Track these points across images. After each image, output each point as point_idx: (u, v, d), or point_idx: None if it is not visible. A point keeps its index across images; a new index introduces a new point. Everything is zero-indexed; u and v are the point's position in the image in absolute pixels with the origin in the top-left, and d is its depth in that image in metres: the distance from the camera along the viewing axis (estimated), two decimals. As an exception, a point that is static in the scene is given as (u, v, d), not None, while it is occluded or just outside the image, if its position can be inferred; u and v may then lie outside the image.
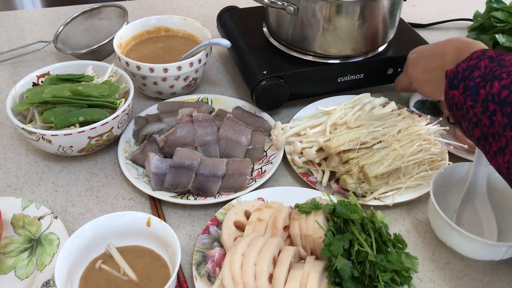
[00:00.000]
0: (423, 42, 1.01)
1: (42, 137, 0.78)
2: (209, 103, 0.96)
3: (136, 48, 1.01)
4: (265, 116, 0.93)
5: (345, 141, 0.80)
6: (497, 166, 0.59)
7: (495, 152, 0.58)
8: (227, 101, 0.96)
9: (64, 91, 0.81)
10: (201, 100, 0.96)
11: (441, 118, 0.90)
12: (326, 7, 0.85)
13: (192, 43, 1.02)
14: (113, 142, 0.87)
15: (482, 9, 1.17)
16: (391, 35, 0.96)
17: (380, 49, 0.97)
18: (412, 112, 0.93)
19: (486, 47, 0.68)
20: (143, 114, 0.92)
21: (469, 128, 0.62)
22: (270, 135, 0.88)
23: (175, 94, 0.97)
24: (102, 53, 1.04)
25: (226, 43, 0.93)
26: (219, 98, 0.97)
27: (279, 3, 0.88)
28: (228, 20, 1.08)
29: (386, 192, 0.79)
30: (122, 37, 0.99)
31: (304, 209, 0.66)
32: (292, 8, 0.87)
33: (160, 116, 0.91)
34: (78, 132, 0.78)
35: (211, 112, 0.94)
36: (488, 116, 0.58)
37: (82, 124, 0.80)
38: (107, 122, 0.79)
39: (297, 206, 0.67)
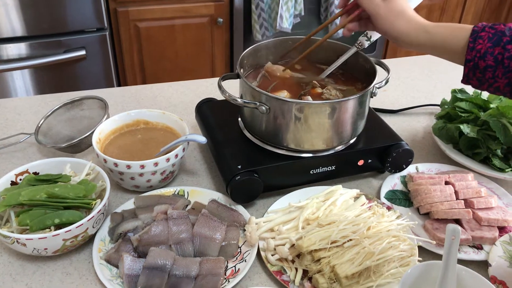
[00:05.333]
0: (391, 132, 1.05)
1: (17, 240, 0.79)
2: (186, 196, 0.98)
3: (115, 141, 1.04)
4: (240, 209, 0.95)
5: (316, 240, 0.81)
6: None
7: None
8: (203, 193, 0.98)
9: (40, 194, 0.82)
10: (178, 193, 0.98)
11: (410, 213, 0.93)
12: (296, 107, 0.90)
13: (171, 135, 1.06)
14: (88, 240, 0.87)
15: (448, 96, 1.22)
16: (360, 128, 1.01)
17: (351, 141, 1.01)
18: (383, 203, 0.96)
19: None
20: (119, 209, 0.93)
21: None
22: (245, 230, 0.90)
23: (152, 188, 0.99)
24: (82, 145, 1.06)
25: (202, 139, 0.96)
26: (195, 190, 0.99)
27: (252, 103, 0.92)
28: (206, 111, 1.12)
29: (358, 291, 0.80)
30: (101, 132, 1.02)
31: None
32: (264, 108, 0.91)
33: (136, 212, 0.92)
34: (53, 236, 0.79)
35: (187, 205, 0.96)
36: None
37: (58, 226, 0.81)
38: (82, 224, 0.81)
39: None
